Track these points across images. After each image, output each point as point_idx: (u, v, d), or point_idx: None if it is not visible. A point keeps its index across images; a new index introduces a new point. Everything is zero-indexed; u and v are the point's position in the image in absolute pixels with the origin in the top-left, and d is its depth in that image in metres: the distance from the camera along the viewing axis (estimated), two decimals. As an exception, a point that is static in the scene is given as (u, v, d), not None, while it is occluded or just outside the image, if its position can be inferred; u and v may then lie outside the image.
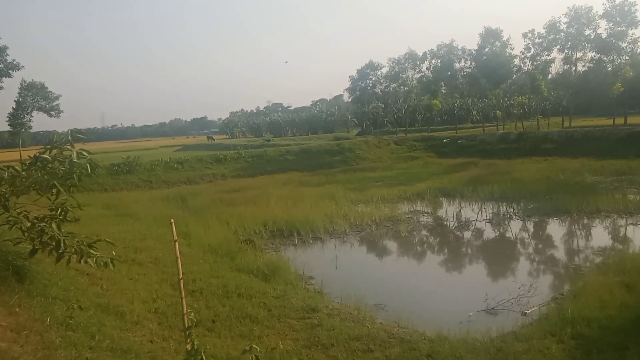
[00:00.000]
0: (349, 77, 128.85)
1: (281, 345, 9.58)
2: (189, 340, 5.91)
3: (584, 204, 24.29)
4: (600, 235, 21.51)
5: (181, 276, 8.76)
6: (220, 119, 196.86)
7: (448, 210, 28.46)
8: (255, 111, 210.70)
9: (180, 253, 7.37)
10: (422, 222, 25.22)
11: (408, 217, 25.76)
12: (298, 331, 10.82)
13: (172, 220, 8.53)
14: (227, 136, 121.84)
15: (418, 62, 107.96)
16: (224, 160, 50.91)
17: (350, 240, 22.04)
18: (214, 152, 57.15)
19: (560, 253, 19.58)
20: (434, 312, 12.91)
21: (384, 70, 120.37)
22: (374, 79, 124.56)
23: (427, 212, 27.51)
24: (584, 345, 9.49)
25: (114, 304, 10.26)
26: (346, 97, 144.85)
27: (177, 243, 8.56)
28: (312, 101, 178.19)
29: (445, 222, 25.44)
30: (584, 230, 22.63)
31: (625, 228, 21.77)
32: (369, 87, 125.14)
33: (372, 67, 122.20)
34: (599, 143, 45.96)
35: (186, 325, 6.32)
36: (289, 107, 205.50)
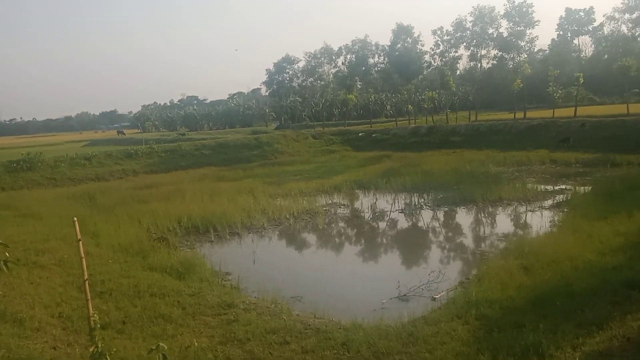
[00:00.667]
0: (266, 70, 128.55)
1: (196, 343, 9.37)
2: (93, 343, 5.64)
3: (488, 193, 25.85)
4: (502, 222, 23.06)
5: (86, 277, 8.32)
6: (131, 113, 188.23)
7: (364, 202, 29.20)
8: (169, 104, 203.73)
9: (88, 253, 6.98)
10: (339, 214, 25.68)
11: (325, 210, 26.12)
12: (214, 328, 10.64)
13: (75, 219, 8.06)
14: (139, 130, 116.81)
15: (334, 57, 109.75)
16: (135, 155, 48.75)
17: (268, 234, 21.99)
18: (124, 147, 54.61)
19: (467, 240, 20.75)
20: (350, 301, 13.21)
21: (301, 64, 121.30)
22: (290, 72, 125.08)
23: (344, 205, 28.06)
24: (486, 325, 10.11)
25: (11, 311, 9.55)
26: (264, 91, 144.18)
27: (81, 243, 8.11)
28: (229, 94, 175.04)
29: (361, 214, 26.09)
30: (489, 218, 24.13)
31: (525, 215, 23.46)
32: (286, 81, 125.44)
33: (288, 60, 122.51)
34: (502, 136, 49.07)
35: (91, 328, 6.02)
36: (205, 100, 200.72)
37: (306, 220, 24.09)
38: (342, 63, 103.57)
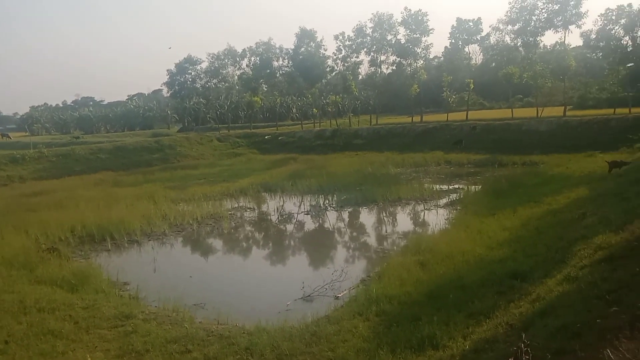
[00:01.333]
0: (167, 71, 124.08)
1: (89, 359, 8.84)
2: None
3: (389, 194, 26.92)
4: (402, 220, 24.12)
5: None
6: (17, 114, 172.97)
7: (270, 205, 29.17)
8: (61, 105, 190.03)
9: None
10: (246, 218, 25.46)
11: (231, 214, 25.77)
12: (110, 341, 10.09)
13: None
14: (27, 133, 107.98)
15: (238, 59, 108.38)
16: (22, 160, 44.97)
17: (170, 241, 21.25)
18: (9, 152, 50.15)
19: (369, 239, 21.45)
20: (255, 305, 13.14)
21: (204, 65, 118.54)
22: (193, 73, 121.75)
23: (250, 208, 27.87)
24: (386, 320, 10.51)
25: None
26: (165, 92, 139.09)
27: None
28: (128, 95, 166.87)
29: (267, 217, 26.03)
30: (389, 217, 25.12)
31: (422, 213, 24.70)
32: (188, 82, 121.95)
33: (191, 61, 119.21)
34: (401, 139, 51.33)
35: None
36: (101, 101, 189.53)
37: (211, 225, 23.59)
38: (247, 65, 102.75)
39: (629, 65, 51.89)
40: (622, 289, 7.74)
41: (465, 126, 49.55)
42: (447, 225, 20.09)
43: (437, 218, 22.45)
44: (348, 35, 70.57)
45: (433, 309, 10.73)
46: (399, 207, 25.89)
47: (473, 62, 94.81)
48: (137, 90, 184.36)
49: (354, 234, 22.91)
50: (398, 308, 11.19)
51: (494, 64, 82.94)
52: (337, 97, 74.45)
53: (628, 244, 10.10)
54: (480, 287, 11.82)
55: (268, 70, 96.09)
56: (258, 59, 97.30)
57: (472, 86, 57.91)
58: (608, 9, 51.16)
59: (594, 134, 40.37)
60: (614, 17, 49.05)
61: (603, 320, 6.56)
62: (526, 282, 11.36)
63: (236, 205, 28.22)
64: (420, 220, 23.82)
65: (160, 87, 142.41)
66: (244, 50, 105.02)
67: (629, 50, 49.78)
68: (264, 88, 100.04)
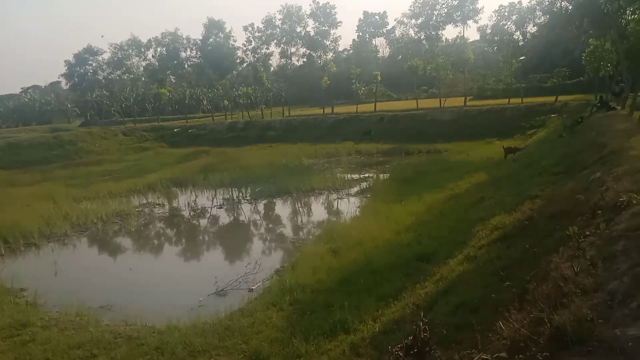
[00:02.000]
0: (65, 62, 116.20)
1: (-21, 375, 8.16)
2: None
3: (302, 184, 27.14)
4: (315, 210, 24.41)
5: None
6: None
7: (182, 200, 28.35)
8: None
9: None
10: (156, 215, 24.58)
11: (139, 211, 24.77)
12: (4, 352, 9.37)
13: None
14: None
15: (143, 50, 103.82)
16: None
17: (72, 242, 20.05)
18: None
19: (283, 230, 21.52)
20: (166, 303, 12.72)
21: (106, 56, 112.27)
22: (94, 64, 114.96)
23: (160, 204, 26.93)
24: (299, 309, 10.63)
25: None
26: (64, 85, 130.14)
27: None
28: (21, 88, 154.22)
29: (179, 212, 25.29)
30: (303, 207, 25.34)
31: (335, 202, 25.15)
32: (89, 74, 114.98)
33: (91, 52, 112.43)
34: (313, 130, 51.86)
35: None
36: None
37: (117, 223, 22.52)
38: (152, 56, 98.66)
39: (521, 58, 55.97)
40: (514, 265, 8.37)
41: (374, 117, 51.02)
42: (358, 213, 20.65)
43: (348, 206, 23.00)
44: (257, 27, 70.10)
45: (345, 295, 11.00)
46: (313, 197, 26.19)
47: (380, 54, 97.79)
48: (33, 83, 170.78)
49: (269, 225, 22.88)
50: (311, 296, 11.35)
51: (400, 56, 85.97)
52: (249, 88, 73.65)
53: (520, 224, 10.93)
54: (389, 271, 12.30)
55: (175, 62, 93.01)
56: (164, 49, 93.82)
57: (379, 78, 59.70)
58: (501, 5, 55.30)
59: (492, 122, 43.14)
60: (506, 14, 52.80)
61: (497, 295, 7.05)
62: (431, 263, 11.98)
63: (144, 202, 27.18)
64: (333, 209, 24.25)
65: (59, 79, 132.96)
66: (149, 40, 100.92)
67: (520, 44, 53.75)
68: (172, 80, 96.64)
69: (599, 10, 21.76)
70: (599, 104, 27.30)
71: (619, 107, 26.25)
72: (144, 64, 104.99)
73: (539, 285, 6.19)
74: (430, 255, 12.67)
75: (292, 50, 71.28)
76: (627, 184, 9.11)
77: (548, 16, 47.13)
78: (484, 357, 5.08)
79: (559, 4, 43.24)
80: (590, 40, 35.13)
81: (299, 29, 68.82)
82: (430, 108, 51.89)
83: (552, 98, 45.61)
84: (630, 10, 11.29)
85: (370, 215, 18.99)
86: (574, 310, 5.00)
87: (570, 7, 37.01)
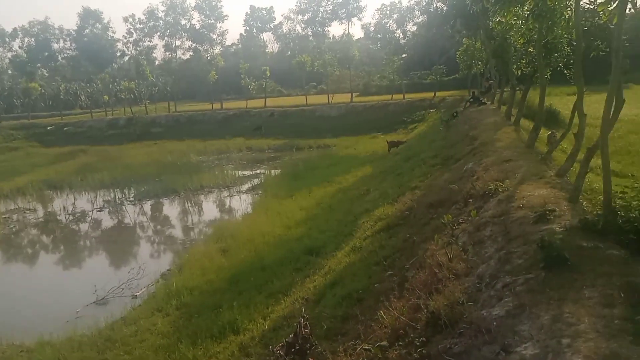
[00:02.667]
0: None
1: None
2: None
3: (190, 183, 26.27)
4: (205, 209, 23.73)
5: None
6: None
7: (58, 204, 26.10)
8: None
9: None
10: (28, 221, 22.42)
11: (6, 218, 22.44)
12: None
13: None
14: None
15: (8, 39, 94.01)
16: None
17: None
18: None
19: (170, 231, 20.66)
20: (38, 318, 11.62)
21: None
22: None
23: (32, 209, 24.60)
24: (186, 313, 10.23)
25: None
26: None
27: None
28: None
29: (55, 218, 23.25)
30: (192, 207, 24.51)
31: (225, 200, 24.66)
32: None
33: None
34: (202, 126, 50.44)
35: None
36: None
37: (-21, 232, 20.20)
38: (20, 47, 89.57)
39: (403, 55, 58.79)
40: (396, 254, 8.72)
41: (265, 113, 50.83)
42: (249, 210, 20.41)
43: (239, 204, 22.68)
44: (139, 18, 66.59)
45: (235, 294, 10.79)
46: (202, 195, 25.44)
47: (270, 50, 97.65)
48: None
49: (155, 227, 21.84)
50: (200, 298, 10.99)
51: (289, 52, 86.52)
52: (131, 83, 69.70)
53: (401, 214, 11.44)
54: (280, 266, 12.26)
55: (47, 53, 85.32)
56: (33, 40, 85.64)
57: (268, 73, 59.48)
58: (383, 4, 57.64)
59: (377, 117, 44.89)
60: (388, 12, 55.19)
61: (380, 284, 7.30)
62: (320, 256, 12.13)
63: (13, 207, 24.67)
64: (223, 207, 23.75)
65: None
66: (14, 29, 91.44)
67: (401, 42, 56.56)
68: (44, 73, 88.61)
69: (469, 11, 23.46)
70: (471, 100, 29.49)
71: (489, 102, 28.54)
72: (9, 55, 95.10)
73: (417, 272, 6.48)
74: (319, 248, 12.80)
75: (177, 44, 68.73)
76: (495, 173, 9.87)
77: (426, 16, 50.13)
78: (366, 347, 5.19)
79: (435, 5, 46.09)
80: (464, 39, 37.74)
81: (183, 22, 66.47)
82: (319, 104, 52.74)
83: (431, 94, 48.48)
84: (493, 12, 12.26)
85: (262, 211, 18.85)
86: (447, 295, 5.27)
87: (445, 8, 39.56)
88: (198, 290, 11.37)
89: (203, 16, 64.99)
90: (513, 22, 11.89)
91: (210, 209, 23.82)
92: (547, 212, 6.23)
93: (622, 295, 4.10)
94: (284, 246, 13.86)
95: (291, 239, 14.60)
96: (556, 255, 4.80)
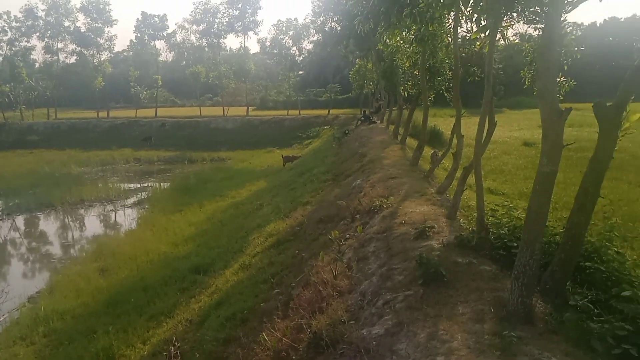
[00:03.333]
0: None
1: None
2: None
3: (69, 196, 24.28)
4: (84, 225, 21.91)
5: None
6: None
7: None
8: None
9: None
10: None
11: None
12: None
13: None
14: None
15: None
16: None
17: None
18: None
19: (42, 249, 18.81)
20: None
21: None
22: None
23: None
24: (56, 340, 9.29)
25: None
26: None
27: None
28: None
29: None
30: (69, 222, 22.60)
31: (108, 215, 23.05)
32: None
33: None
34: (85, 135, 47.21)
35: None
36: None
37: None
38: None
39: (300, 73, 59.58)
40: (284, 271, 8.58)
41: (155, 123, 48.81)
42: (133, 226, 19.24)
43: (123, 219, 21.33)
44: (15, 16, 61.06)
45: (112, 318, 10.00)
46: (82, 210, 23.55)
47: (164, 58, 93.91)
48: None
49: (24, 245, 19.75)
50: (72, 323, 10.04)
51: (184, 62, 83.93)
52: (5, 86, 63.45)
53: (292, 230, 11.36)
54: (163, 286, 11.60)
55: None
56: None
57: (160, 82, 57.22)
58: (279, 20, 57.90)
59: (273, 132, 44.97)
60: (284, 28, 55.66)
61: (266, 304, 7.09)
62: (208, 274, 11.66)
63: None
64: (105, 222, 22.16)
65: None
66: None
67: (297, 59, 57.32)
68: None
69: (359, 32, 24.34)
70: (362, 118, 30.53)
71: (379, 121, 29.72)
72: None
73: (303, 290, 6.37)
74: (207, 266, 12.33)
75: (59, 46, 63.69)
76: (380, 189, 10.13)
77: (321, 35, 51.40)
78: (246, 373, 4.95)
79: (330, 24, 47.42)
80: (357, 60, 39.10)
81: (67, 23, 61.73)
82: (214, 116, 51.73)
83: (326, 111, 49.58)
84: (380, 34, 12.79)
85: (147, 227, 17.86)
86: (330, 314, 5.19)
87: (339, 28, 40.76)
88: (70, 314, 10.38)
89: (89, 19, 61.02)
90: (398, 45, 12.43)
91: (90, 225, 22.03)
92: (427, 229, 6.44)
93: (492, 310, 4.28)
94: (170, 265, 13.17)
95: (178, 256, 13.92)
96: (433, 271, 4.93)
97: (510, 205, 6.68)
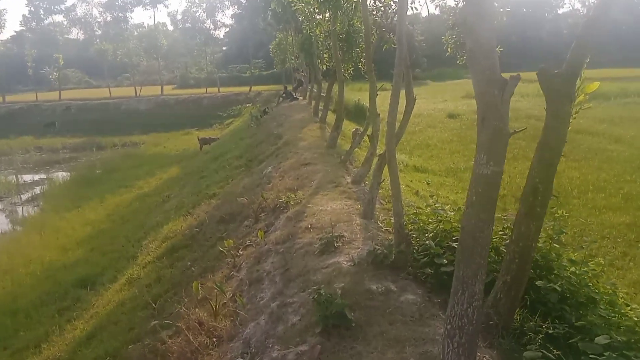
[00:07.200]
0: None
1: None
2: None
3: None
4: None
5: None
6: None
7: None
8: None
9: None
10: None
11: None
12: None
13: None
14: None
15: None
16: None
17: None
18: None
19: None
20: None
21: None
22: None
23: None
24: None
25: None
26: None
27: None
28: None
29: None
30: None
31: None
32: None
33: None
34: (-25, 123, 42.15)
35: None
36: None
37: None
38: None
39: (224, 48, 56.23)
40: (170, 292, 6.93)
41: (59, 107, 44.43)
42: (19, 229, 16.62)
43: (9, 220, 18.42)
44: None
45: (-36, 357, 7.99)
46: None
47: (75, 37, 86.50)
48: None
49: None
50: None
51: (98, 40, 77.78)
52: None
53: (190, 231, 9.65)
54: (39, 307, 9.64)
55: None
56: None
57: (61, 62, 51.80)
58: (191, -9, 53.81)
59: (190, 112, 42.20)
60: (197, 1, 52.20)
61: (133, 347, 5.44)
62: (95, 288, 9.82)
63: None
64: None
65: None
66: None
67: (211, 33, 54.01)
68: None
69: (282, 4, 22.39)
70: (284, 95, 28.78)
71: (300, 98, 28.11)
72: None
73: (174, 336, 4.76)
74: (96, 277, 10.45)
75: None
76: (290, 180, 8.67)
77: (236, 7, 48.70)
78: None
79: (245, -4, 44.94)
80: (277, 33, 36.98)
81: None
82: (125, 97, 47.87)
83: (248, 88, 47.22)
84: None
85: (35, 229, 15.38)
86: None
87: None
88: None
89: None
90: (307, 11, 10.88)
91: None
92: (335, 239, 5.03)
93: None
94: (52, 277, 11.12)
95: (65, 265, 11.86)
96: (336, 314, 3.51)
97: (436, 200, 5.44)
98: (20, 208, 20.33)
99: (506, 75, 2.80)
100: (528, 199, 3.53)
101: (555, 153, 3.53)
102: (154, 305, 6.57)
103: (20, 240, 14.42)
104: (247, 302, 4.72)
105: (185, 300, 5.70)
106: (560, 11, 76.52)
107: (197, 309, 4.80)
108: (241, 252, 6.52)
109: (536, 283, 3.91)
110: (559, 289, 3.86)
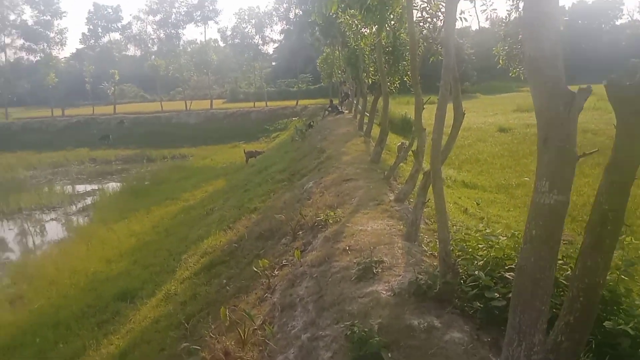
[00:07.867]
0: None
1: None
2: None
3: (5, 205, 21.86)
4: (10, 239, 18.66)
5: None
6: None
7: None
8: None
9: None
10: None
11: None
12: None
13: None
14: None
15: None
16: None
17: None
18: None
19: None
20: None
21: None
22: None
23: None
24: None
25: None
26: None
27: None
28: None
29: None
30: None
31: (45, 226, 20.32)
32: None
33: None
34: (38, 135, 44.24)
35: None
36: None
37: None
38: None
39: (273, 64, 57.04)
40: (203, 311, 6.69)
41: (113, 120, 46.05)
42: (68, 239, 16.98)
43: (61, 230, 18.92)
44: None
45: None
46: (18, 220, 21.07)
47: (132, 53, 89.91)
48: None
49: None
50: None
51: (153, 57, 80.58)
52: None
53: (229, 247, 9.46)
54: (81, 319, 9.65)
55: None
56: None
57: (117, 77, 53.82)
58: (241, 8, 55.11)
59: (238, 125, 42.77)
60: (246, 17, 53.19)
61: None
62: (134, 302, 9.75)
63: None
64: (38, 235, 19.38)
65: None
66: None
67: (260, 48, 54.85)
68: None
69: (325, 18, 22.32)
70: (329, 108, 28.62)
71: (346, 111, 27.88)
72: None
73: (199, 363, 4.49)
74: (135, 290, 10.38)
75: (6, 41, 60.03)
76: (330, 196, 8.33)
77: (284, 22, 49.28)
78: None
79: (293, 12, 45.28)
80: (324, 47, 37.08)
81: (12, 17, 58.13)
82: (176, 110, 49.14)
83: (294, 102, 47.49)
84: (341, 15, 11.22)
85: (83, 240, 15.66)
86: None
87: (301, 14, 38.73)
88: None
89: (37, 11, 57.44)
90: (351, 24, 10.61)
91: (18, 239, 18.70)
92: (374, 264, 4.64)
93: None
94: (95, 289, 11.18)
95: (108, 277, 11.92)
96: (371, 355, 3.12)
97: (487, 222, 4.95)
98: (72, 218, 20.88)
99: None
100: (595, 230, 3.02)
101: (628, 176, 3.01)
102: (186, 325, 6.36)
103: (68, 251, 14.68)
104: (277, 331, 4.40)
105: (212, 327, 5.45)
106: (618, 22, 73.43)
107: (224, 337, 4.51)
108: (277, 272, 6.22)
109: (604, 324, 3.39)
110: (631, 332, 3.32)
